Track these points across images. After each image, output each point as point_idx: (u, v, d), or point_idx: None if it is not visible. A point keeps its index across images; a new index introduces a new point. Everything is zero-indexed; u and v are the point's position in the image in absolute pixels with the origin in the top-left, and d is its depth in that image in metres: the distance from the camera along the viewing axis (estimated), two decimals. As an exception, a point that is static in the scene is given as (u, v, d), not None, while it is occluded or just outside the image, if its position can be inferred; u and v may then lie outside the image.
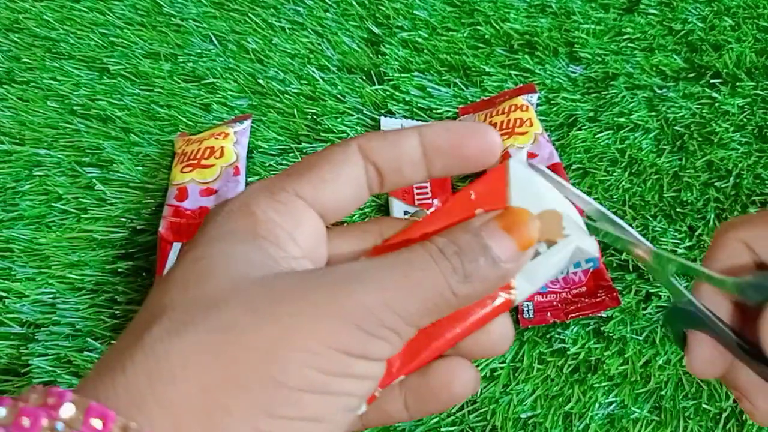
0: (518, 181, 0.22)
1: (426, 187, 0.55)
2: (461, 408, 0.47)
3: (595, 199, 0.55)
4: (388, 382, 0.22)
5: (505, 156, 0.50)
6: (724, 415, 0.46)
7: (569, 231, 0.22)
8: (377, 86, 0.61)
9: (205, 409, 0.18)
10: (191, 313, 0.19)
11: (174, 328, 0.19)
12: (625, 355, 0.48)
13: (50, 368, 0.48)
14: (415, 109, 0.60)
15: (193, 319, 0.19)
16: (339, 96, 0.60)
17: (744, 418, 0.46)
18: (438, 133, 0.23)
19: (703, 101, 0.59)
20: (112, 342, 0.49)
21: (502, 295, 0.22)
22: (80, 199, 0.55)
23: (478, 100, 0.60)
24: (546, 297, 0.50)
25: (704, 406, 0.47)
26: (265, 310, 0.19)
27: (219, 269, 0.20)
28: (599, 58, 0.62)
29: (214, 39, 0.64)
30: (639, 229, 0.53)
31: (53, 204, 0.55)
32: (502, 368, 0.48)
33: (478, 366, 0.48)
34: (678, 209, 0.54)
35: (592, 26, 0.64)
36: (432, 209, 0.53)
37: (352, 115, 0.59)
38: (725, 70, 0.61)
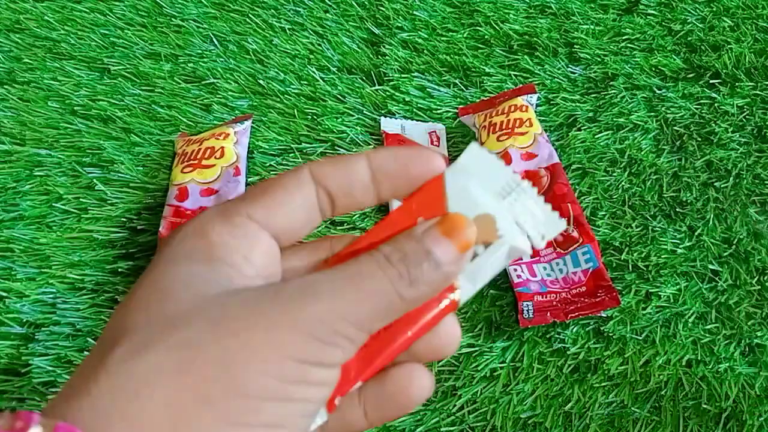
0: (454, 190, 0.24)
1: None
2: (461, 408, 0.47)
3: (594, 199, 0.55)
4: (346, 390, 0.23)
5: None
6: (724, 415, 0.46)
7: (503, 232, 0.24)
8: (377, 87, 0.61)
9: (170, 423, 0.19)
10: (152, 333, 0.20)
11: (136, 349, 0.19)
12: (625, 355, 0.48)
13: (50, 368, 0.48)
14: (415, 110, 0.60)
15: (153, 338, 0.20)
16: (339, 96, 0.60)
17: (744, 418, 0.46)
18: (385, 158, 0.24)
19: (702, 101, 0.59)
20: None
21: (448, 296, 0.24)
22: (81, 199, 0.55)
23: (477, 100, 0.60)
24: (546, 297, 0.50)
25: (704, 406, 0.47)
26: (224, 326, 0.20)
27: (177, 290, 0.21)
28: (599, 59, 0.62)
29: (214, 39, 0.64)
30: (639, 228, 0.53)
31: (54, 204, 0.55)
32: (501, 368, 0.48)
33: (477, 366, 0.48)
34: (677, 209, 0.54)
35: (592, 27, 0.64)
36: None
37: (352, 116, 0.59)
38: (724, 71, 0.61)
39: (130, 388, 0.19)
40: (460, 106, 0.60)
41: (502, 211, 0.24)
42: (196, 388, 0.19)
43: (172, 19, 0.65)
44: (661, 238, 0.52)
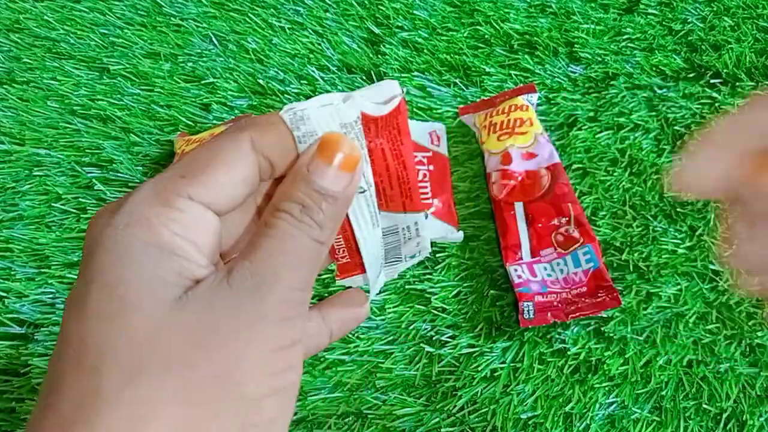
0: (297, 124, 0.24)
1: (426, 187, 0.55)
2: (461, 408, 0.47)
3: (595, 199, 0.55)
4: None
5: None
6: (725, 415, 0.46)
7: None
8: (377, 86, 0.61)
9: None
10: (136, 356, 0.20)
11: (128, 375, 0.19)
12: (626, 356, 0.48)
13: (50, 368, 0.48)
14: (415, 109, 0.60)
15: (141, 362, 0.19)
16: (339, 96, 0.60)
17: (744, 418, 0.46)
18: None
19: (703, 101, 0.59)
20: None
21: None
22: (80, 199, 0.55)
23: (478, 100, 0.60)
24: (546, 297, 0.50)
25: (705, 406, 0.47)
26: (205, 340, 0.20)
27: (138, 298, 0.20)
28: (599, 58, 0.62)
29: (214, 39, 0.64)
30: (640, 228, 0.53)
31: (53, 204, 0.54)
32: (502, 368, 0.48)
33: (478, 367, 0.48)
34: (678, 209, 0.54)
35: (592, 26, 0.64)
36: (432, 210, 0.53)
37: (352, 115, 0.59)
38: (725, 70, 0.61)
39: (136, 416, 0.19)
40: (461, 106, 0.60)
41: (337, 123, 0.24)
42: (200, 405, 0.19)
43: (172, 18, 0.65)
44: (662, 238, 0.52)
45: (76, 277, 0.51)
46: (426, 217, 0.28)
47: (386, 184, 0.26)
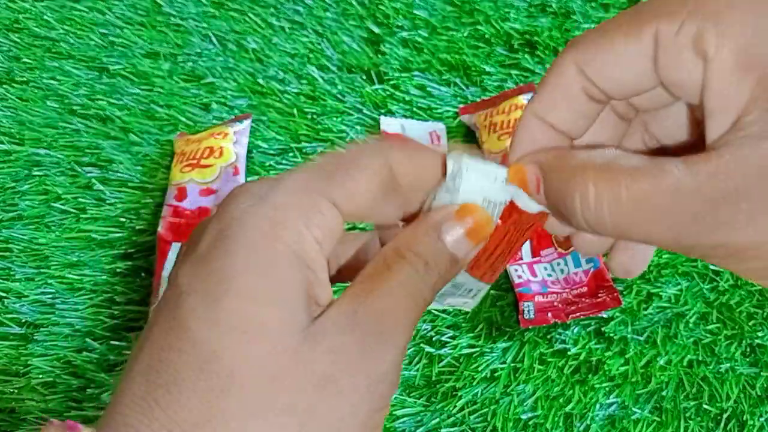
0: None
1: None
2: (462, 409, 0.47)
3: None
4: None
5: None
6: (725, 415, 0.46)
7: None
8: (377, 86, 0.61)
9: None
10: (266, 391, 0.19)
11: (256, 410, 0.18)
12: (626, 356, 0.48)
13: (49, 368, 0.48)
14: (415, 109, 0.59)
15: (270, 399, 0.19)
16: (339, 96, 0.60)
17: (744, 418, 0.46)
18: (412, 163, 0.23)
19: (703, 101, 0.59)
20: (125, 357, 0.49)
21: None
22: (79, 199, 0.55)
23: (478, 99, 0.60)
24: (547, 297, 0.50)
25: (705, 406, 0.47)
26: (330, 389, 0.19)
27: (273, 319, 0.19)
28: (600, 58, 0.62)
29: (213, 38, 0.64)
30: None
31: (52, 204, 0.54)
32: (502, 369, 0.48)
33: (478, 367, 0.48)
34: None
35: (592, 26, 0.63)
36: None
37: (352, 115, 0.59)
38: (726, 70, 0.61)
39: None
40: (461, 106, 0.60)
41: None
42: None
43: (171, 18, 0.65)
44: (662, 238, 0.52)
45: (75, 277, 0.51)
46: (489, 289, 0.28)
47: (484, 256, 0.25)
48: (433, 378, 0.48)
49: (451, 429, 0.46)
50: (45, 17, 0.65)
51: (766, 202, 0.18)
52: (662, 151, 0.25)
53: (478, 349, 0.49)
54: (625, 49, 0.21)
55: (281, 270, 0.19)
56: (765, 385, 0.47)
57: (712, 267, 0.51)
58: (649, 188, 0.19)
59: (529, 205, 0.24)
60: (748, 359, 0.48)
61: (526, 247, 0.52)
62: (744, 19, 0.19)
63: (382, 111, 0.60)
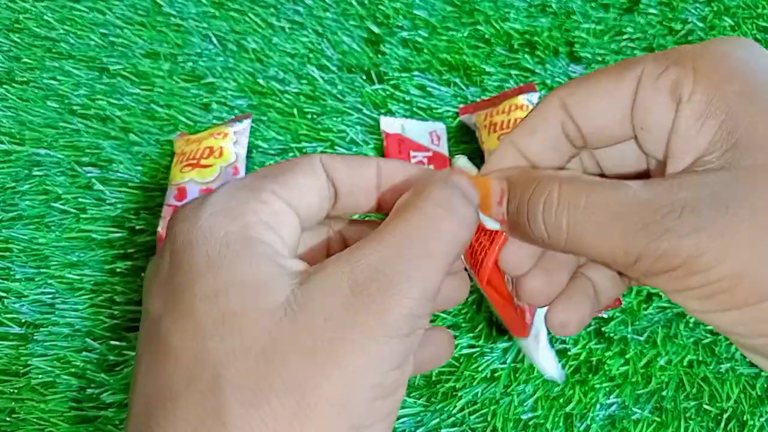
0: None
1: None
2: (461, 409, 0.47)
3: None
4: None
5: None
6: (725, 415, 0.46)
7: None
8: (377, 86, 0.61)
9: None
10: (254, 378, 0.18)
11: (249, 400, 0.18)
12: (626, 356, 0.48)
13: (49, 368, 0.48)
14: (415, 109, 0.59)
15: (260, 385, 0.18)
16: (339, 96, 0.60)
17: (745, 418, 0.46)
18: (395, 168, 0.24)
19: (703, 101, 0.59)
20: (126, 354, 0.49)
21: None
22: (79, 199, 0.55)
23: (478, 99, 0.60)
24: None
25: (705, 406, 0.46)
26: (321, 361, 0.18)
27: (244, 307, 0.19)
28: (599, 58, 0.62)
29: (213, 38, 0.64)
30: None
31: (52, 204, 0.54)
32: (502, 369, 0.48)
33: (478, 367, 0.48)
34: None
35: (593, 26, 0.64)
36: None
37: (352, 115, 0.59)
38: (726, 70, 0.61)
39: None
40: (461, 105, 0.60)
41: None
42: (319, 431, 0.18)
43: (171, 18, 0.65)
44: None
45: (75, 277, 0.51)
46: None
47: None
48: (433, 378, 0.48)
49: (451, 429, 0.46)
50: (45, 17, 0.65)
51: (711, 221, 0.19)
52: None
53: (478, 349, 0.49)
54: (607, 88, 0.22)
55: (235, 258, 0.19)
56: (765, 385, 0.47)
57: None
58: (606, 197, 0.21)
59: (487, 224, 0.25)
60: (748, 359, 0.48)
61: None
62: (717, 68, 0.21)
63: (382, 111, 0.60)
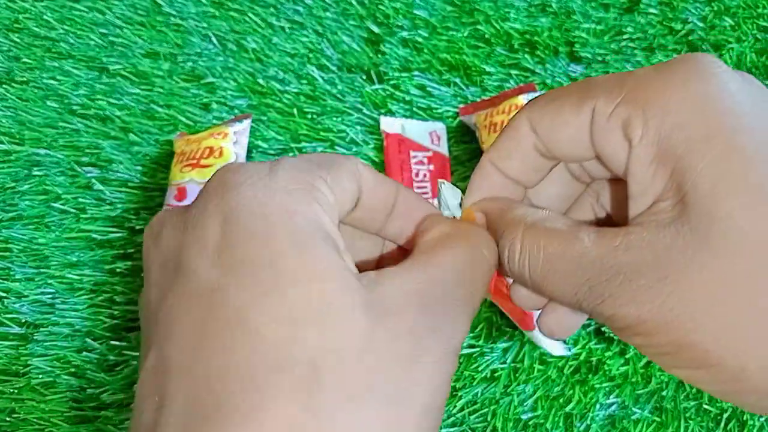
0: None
1: (426, 186, 0.55)
2: (461, 409, 0.47)
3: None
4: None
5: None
6: (725, 415, 0.46)
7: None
8: (377, 86, 0.61)
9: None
10: (351, 378, 0.18)
11: (344, 400, 0.18)
12: (626, 356, 0.48)
13: (49, 369, 0.48)
14: (415, 109, 0.59)
15: (356, 386, 0.18)
16: (339, 95, 0.60)
17: (745, 418, 0.46)
18: (413, 201, 0.25)
19: (703, 101, 0.59)
20: (126, 351, 0.49)
21: None
22: (79, 199, 0.55)
23: (478, 99, 0.60)
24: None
25: (705, 406, 0.46)
26: (403, 371, 0.19)
27: (334, 299, 0.18)
28: (599, 58, 0.62)
29: (213, 38, 0.64)
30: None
31: (52, 204, 0.54)
32: (502, 369, 0.48)
33: (478, 367, 0.48)
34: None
35: (593, 26, 0.64)
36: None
37: (352, 115, 0.59)
38: (726, 70, 0.61)
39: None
40: (461, 105, 0.60)
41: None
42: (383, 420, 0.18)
43: (171, 17, 0.65)
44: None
45: (75, 277, 0.51)
46: None
47: None
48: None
49: (451, 429, 0.46)
50: (45, 17, 0.65)
51: (648, 291, 0.19)
52: (608, 220, 0.27)
53: (478, 349, 0.49)
54: (568, 118, 0.23)
55: (316, 245, 0.18)
56: (765, 385, 0.47)
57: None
58: (558, 251, 0.22)
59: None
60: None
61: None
62: (668, 108, 0.20)
63: (382, 111, 0.60)
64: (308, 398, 0.17)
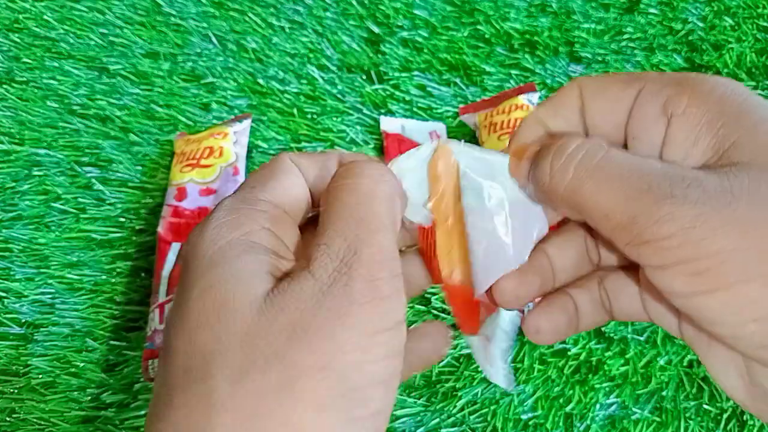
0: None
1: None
2: (462, 409, 0.47)
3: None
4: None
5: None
6: (725, 415, 0.46)
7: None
8: (377, 86, 0.61)
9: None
10: (239, 359, 0.19)
11: (235, 378, 0.19)
12: (626, 356, 0.48)
13: (49, 369, 0.48)
14: (415, 109, 0.59)
15: (245, 364, 0.19)
16: (339, 95, 0.60)
17: (745, 418, 0.46)
18: (353, 159, 0.25)
19: (703, 101, 0.59)
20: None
21: None
22: (79, 199, 0.55)
23: (478, 99, 0.60)
24: (546, 297, 0.50)
25: (705, 406, 0.46)
26: (300, 336, 0.20)
27: (229, 298, 0.20)
28: (599, 58, 0.62)
29: (213, 38, 0.64)
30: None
31: (52, 204, 0.54)
32: (502, 369, 0.48)
33: (478, 367, 0.48)
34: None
35: (593, 26, 0.64)
36: None
37: (352, 115, 0.59)
38: (725, 70, 0.61)
39: (245, 416, 0.19)
40: (461, 105, 0.60)
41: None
42: (303, 400, 0.19)
43: (171, 17, 0.65)
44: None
45: (75, 277, 0.51)
46: None
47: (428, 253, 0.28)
48: (433, 378, 0.48)
49: (451, 429, 0.46)
50: (45, 17, 0.65)
51: (715, 198, 0.20)
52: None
53: (478, 349, 0.49)
54: (614, 89, 0.24)
55: (236, 257, 0.21)
56: (765, 385, 0.47)
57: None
58: (624, 158, 0.22)
59: (415, 219, 0.26)
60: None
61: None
62: (712, 91, 0.22)
63: (382, 111, 0.60)
64: (205, 388, 0.19)
